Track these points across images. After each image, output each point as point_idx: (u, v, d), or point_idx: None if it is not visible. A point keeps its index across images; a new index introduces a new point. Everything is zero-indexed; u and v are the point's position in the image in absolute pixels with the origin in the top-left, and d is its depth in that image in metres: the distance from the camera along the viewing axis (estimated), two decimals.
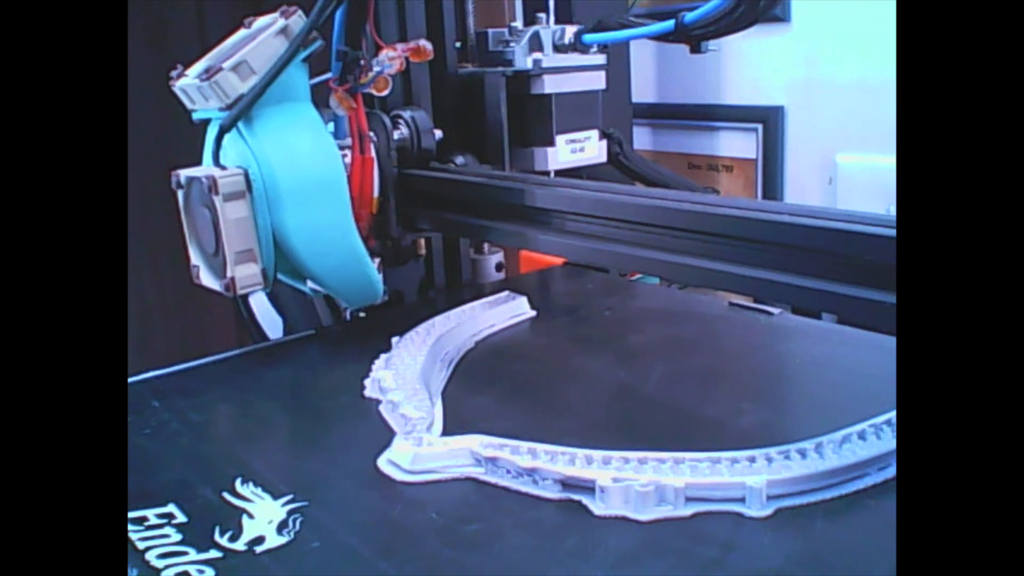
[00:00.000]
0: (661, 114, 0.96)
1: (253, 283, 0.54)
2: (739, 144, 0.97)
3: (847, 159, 0.86)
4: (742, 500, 0.38)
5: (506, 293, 0.65)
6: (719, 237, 0.43)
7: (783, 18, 0.92)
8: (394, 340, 0.55)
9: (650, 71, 1.03)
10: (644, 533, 0.37)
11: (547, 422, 0.41)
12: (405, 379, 0.49)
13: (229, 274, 0.53)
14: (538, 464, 0.39)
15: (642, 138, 1.03)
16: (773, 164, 0.93)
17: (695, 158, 1.01)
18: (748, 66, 0.96)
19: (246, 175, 0.52)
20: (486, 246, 0.76)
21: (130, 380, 0.55)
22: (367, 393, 0.53)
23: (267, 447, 0.46)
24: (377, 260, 0.61)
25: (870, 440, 0.39)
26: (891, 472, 0.40)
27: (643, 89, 0.94)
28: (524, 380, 0.54)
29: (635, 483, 0.37)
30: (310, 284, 0.59)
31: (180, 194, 0.56)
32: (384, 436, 0.45)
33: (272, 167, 0.53)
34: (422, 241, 0.70)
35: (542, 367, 0.55)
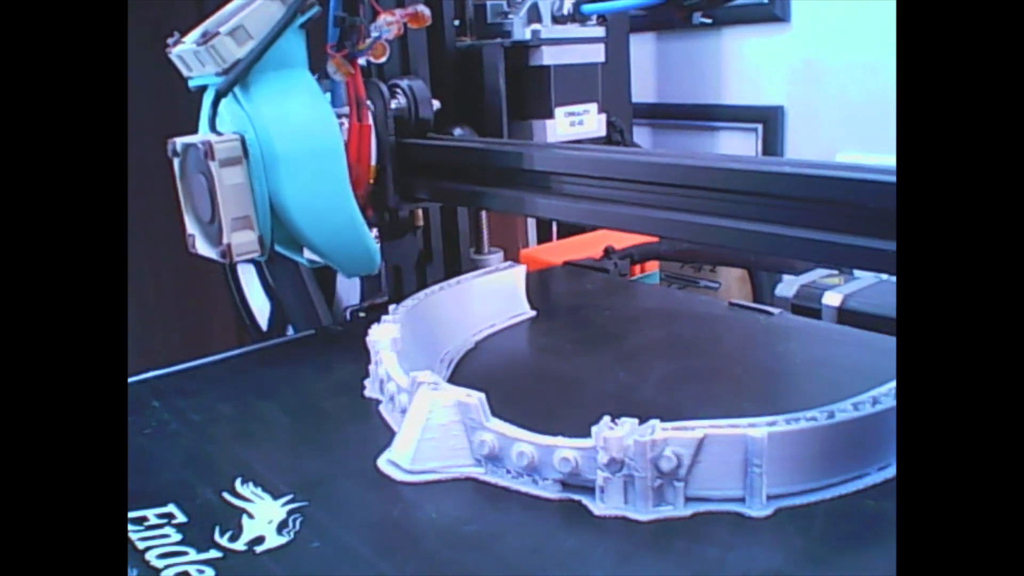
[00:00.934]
0: (661, 114, 0.96)
1: (249, 250, 0.53)
2: (739, 144, 0.97)
3: (847, 159, 0.86)
4: (742, 500, 0.38)
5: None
6: (720, 192, 0.42)
7: (783, 18, 0.92)
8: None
9: (650, 71, 1.03)
10: (644, 533, 0.37)
11: (547, 422, 0.41)
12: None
13: (225, 240, 0.52)
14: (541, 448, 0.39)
15: (642, 138, 1.03)
16: None
17: None
18: (748, 66, 0.96)
19: (242, 141, 0.52)
20: (486, 245, 0.76)
21: (130, 380, 0.56)
22: (367, 393, 0.53)
23: (267, 447, 0.46)
24: (374, 231, 0.60)
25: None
26: (891, 472, 0.40)
27: (643, 89, 0.94)
28: (524, 380, 0.54)
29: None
30: (307, 254, 0.59)
31: (176, 162, 0.55)
32: (384, 436, 0.45)
33: (269, 133, 0.52)
34: (419, 212, 0.69)
35: (542, 367, 0.55)
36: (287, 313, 0.87)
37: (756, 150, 0.94)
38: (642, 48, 1.01)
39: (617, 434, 0.37)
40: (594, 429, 0.37)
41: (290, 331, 0.92)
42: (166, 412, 0.51)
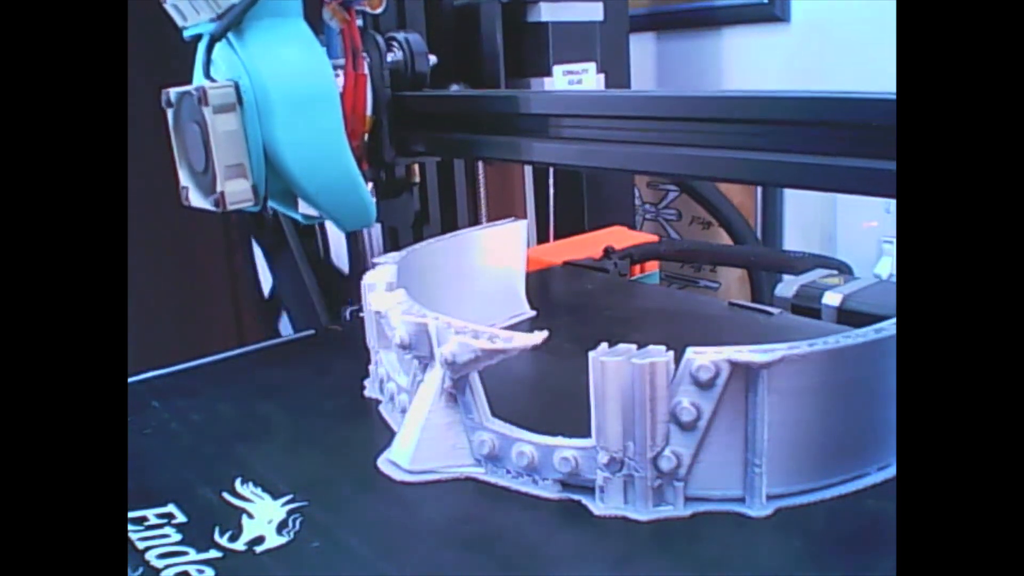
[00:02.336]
0: None
1: (243, 199, 0.53)
2: None
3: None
4: (742, 500, 0.38)
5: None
6: (719, 122, 0.42)
7: (783, 18, 0.92)
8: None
9: (650, 71, 1.03)
10: (644, 533, 0.37)
11: (546, 422, 0.41)
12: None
13: (219, 188, 0.52)
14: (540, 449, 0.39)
15: None
16: None
17: None
18: (748, 66, 0.96)
19: (236, 87, 0.52)
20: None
21: (130, 380, 0.56)
22: (367, 393, 0.53)
23: (267, 447, 0.46)
24: (370, 185, 0.59)
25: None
26: (891, 472, 0.40)
27: (643, 89, 0.94)
28: (524, 380, 0.54)
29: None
30: (302, 209, 0.58)
31: (170, 113, 0.55)
32: (384, 436, 0.45)
33: (263, 79, 0.52)
34: (416, 169, 0.69)
35: (542, 367, 0.55)
36: (287, 313, 0.87)
37: None
38: (642, 48, 1.01)
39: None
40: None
41: (286, 326, 0.92)
42: (166, 412, 0.51)
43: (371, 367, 0.53)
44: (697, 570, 0.34)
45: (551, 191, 0.91)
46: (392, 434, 0.45)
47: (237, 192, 0.53)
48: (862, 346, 0.36)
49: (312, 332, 0.66)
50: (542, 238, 1.05)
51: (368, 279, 0.50)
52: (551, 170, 0.90)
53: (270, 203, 0.57)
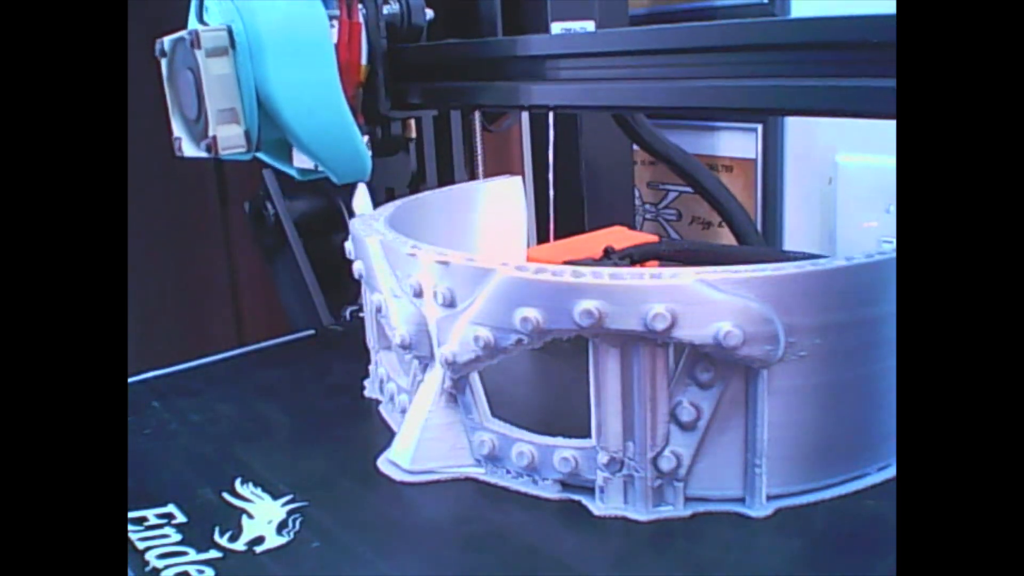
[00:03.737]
0: (661, 114, 0.96)
1: (235, 144, 0.52)
2: (739, 144, 0.97)
3: (847, 159, 0.86)
4: (742, 500, 0.38)
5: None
6: (717, 52, 0.41)
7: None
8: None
9: None
10: (644, 533, 0.37)
11: (546, 422, 0.41)
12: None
13: (211, 133, 0.51)
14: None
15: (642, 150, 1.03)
16: (773, 164, 0.93)
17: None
18: None
19: (229, 31, 0.51)
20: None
21: (130, 380, 0.56)
22: (367, 393, 0.53)
23: (267, 447, 0.46)
24: (366, 137, 0.59)
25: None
26: (891, 472, 0.40)
27: None
28: (523, 380, 0.54)
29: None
30: (297, 163, 0.58)
31: (164, 63, 0.55)
32: (384, 436, 0.45)
33: (256, 21, 0.52)
34: (412, 124, 0.68)
35: (541, 367, 0.55)
36: (287, 313, 0.87)
37: (756, 150, 0.94)
38: None
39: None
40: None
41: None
42: (166, 412, 0.51)
43: (371, 367, 0.53)
44: (697, 570, 0.34)
45: (551, 190, 0.91)
46: (392, 434, 0.45)
47: (229, 137, 0.52)
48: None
49: (312, 332, 0.66)
50: (542, 238, 1.05)
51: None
52: (551, 167, 0.90)
53: (264, 156, 0.56)
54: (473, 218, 0.61)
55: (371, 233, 0.46)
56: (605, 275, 0.36)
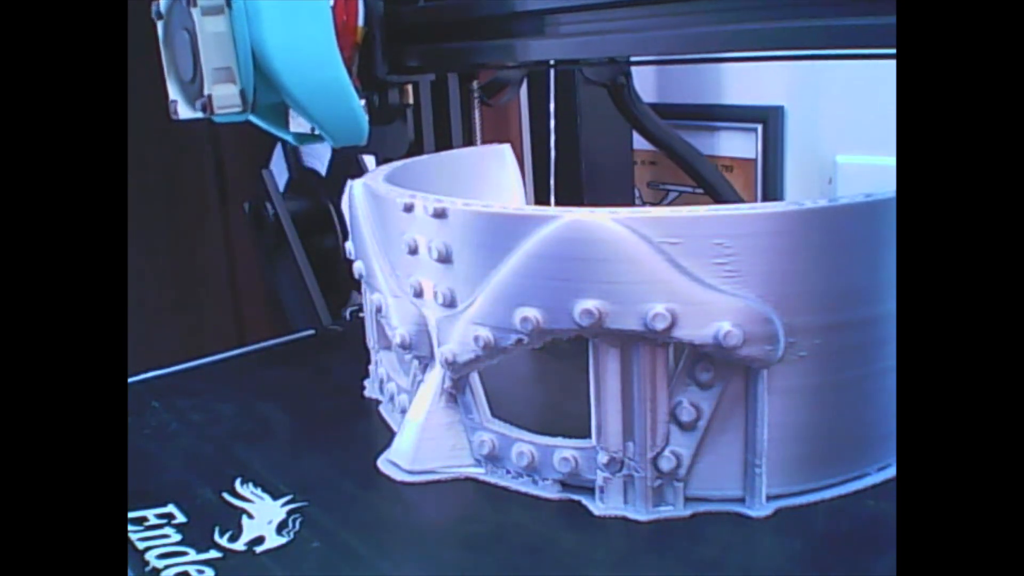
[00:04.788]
0: (661, 114, 0.96)
1: (231, 104, 0.52)
2: (739, 144, 0.97)
3: (847, 159, 0.86)
4: (742, 500, 0.38)
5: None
6: None
7: None
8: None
9: (650, 71, 1.03)
10: (644, 533, 0.37)
11: (546, 422, 0.41)
12: None
13: (206, 92, 0.51)
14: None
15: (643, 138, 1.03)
16: (773, 164, 0.93)
17: None
18: (748, 66, 0.96)
19: None
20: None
21: (130, 380, 0.56)
22: (367, 393, 0.53)
23: (267, 447, 0.46)
24: (363, 101, 0.59)
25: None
26: (891, 472, 0.40)
27: (643, 89, 0.94)
28: (523, 380, 0.54)
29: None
30: (293, 128, 0.58)
31: (160, 25, 0.54)
32: (384, 436, 0.45)
33: None
34: (409, 90, 0.68)
35: (541, 367, 0.55)
36: (287, 313, 0.87)
37: (756, 150, 0.94)
38: None
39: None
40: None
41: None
42: (166, 412, 0.51)
43: (371, 367, 0.53)
44: (697, 570, 0.34)
45: (552, 189, 0.91)
46: (392, 434, 0.45)
47: (225, 96, 0.52)
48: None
49: (312, 332, 0.66)
50: None
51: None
52: (552, 158, 0.90)
53: (260, 121, 0.56)
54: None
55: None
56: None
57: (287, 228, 0.81)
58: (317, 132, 0.59)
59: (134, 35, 0.49)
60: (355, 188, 0.49)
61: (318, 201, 0.84)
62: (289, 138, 0.59)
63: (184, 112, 0.54)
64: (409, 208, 0.41)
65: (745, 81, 0.96)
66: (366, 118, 0.58)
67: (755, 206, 0.35)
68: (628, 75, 0.78)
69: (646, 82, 1.02)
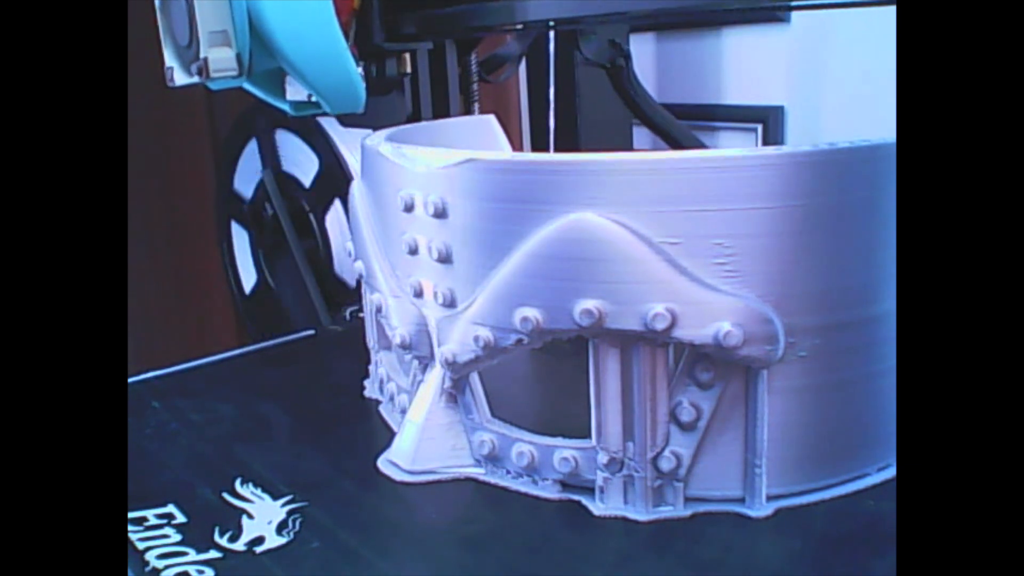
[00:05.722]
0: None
1: (227, 67, 0.52)
2: (739, 144, 0.97)
3: None
4: (742, 500, 0.38)
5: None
6: None
7: (783, 18, 0.92)
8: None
9: (650, 71, 1.03)
10: (644, 533, 0.37)
11: (546, 422, 0.41)
12: None
13: (202, 55, 0.51)
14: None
15: (642, 138, 1.03)
16: None
17: None
18: (748, 66, 0.96)
19: None
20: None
21: (130, 380, 0.56)
22: (367, 393, 0.53)
23: (267, 447, 0.46)
24: (360, 67, 0.58)
25: None
26: (891, 472, 0.40)
27: None
28: (523, 380, 0.54)
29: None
30: (289, 95, 0.57)
31: None
32: (384, 436, 0.45)
33: None
34: (407, 59, 0.67)
35: (541, 366, 0.55)
36: (287, 313, 0.87)
37: None
38: (642, 48, 1.01)
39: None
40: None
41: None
42: (166, 412, 0.51)
43: (371, 367, 0.53)
44: (697, 570, 0.34)
45: (551, 136, 0.91)
46: (392, 434, 0.45)
47: (220, 60, 0.51)
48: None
49: (312, 332, 0.66)
50: None
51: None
52: (551, 138, 0.89)
53: (256, 89, 0.55)
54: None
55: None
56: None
57: (286, 228, 0.81)
58: (314, 99, 0.58)
59: (134, 35, 0.49)
60: (355, 188, 0.49)
61: (297, 203, 0.83)
62: (286, 107, 0.58)
63: (180, 78, 0.54)
64: (409, 208, 0.41)
65: (745, 81, 0.96)
66: (363, 85, 0.58)
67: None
68: (628, 57, 0.78)
69: (646, 82, 1.02)
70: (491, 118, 0.61)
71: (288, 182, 0.83)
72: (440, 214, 0.39)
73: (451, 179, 0.39)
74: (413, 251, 0.42)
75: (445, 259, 0.40)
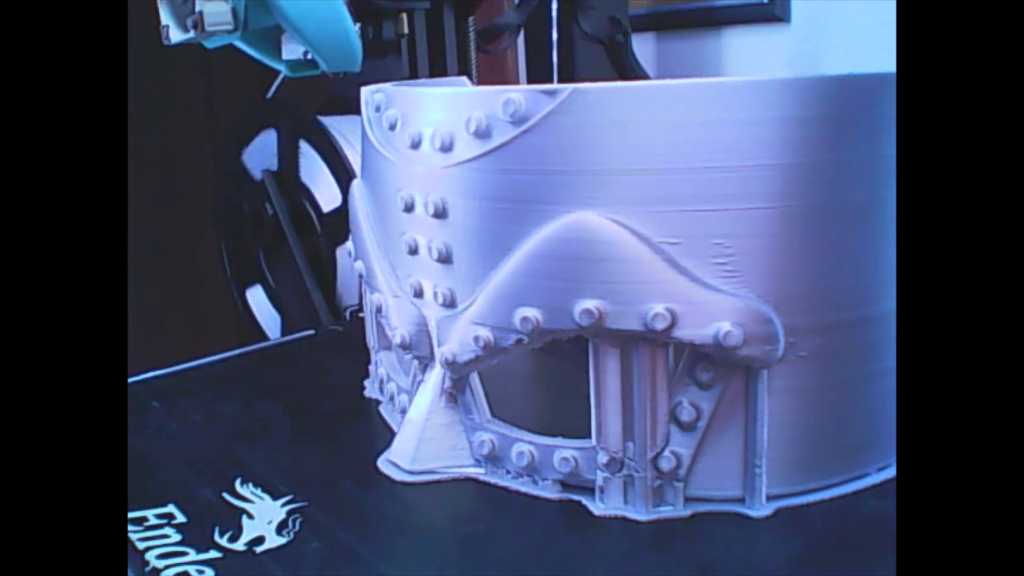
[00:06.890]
0: None
1: (222, 21, 0.51)
2: None
3: None
4: (742, 500, 0.38)
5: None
6: None
7: (783, 18, 0.92)
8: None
9: (650, 71, 1.03)
10: (644, 533, 0.37)
11: (546, 422, 0.41)
12: None
13: (198, 8, 0.50)
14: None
15: None
16: None
17: None
18: (748, 66, 0.96)
19: None
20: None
21: (130, 380, 0.56)
22: (367, 393, 0.53)
23: (267, 447, 0.46)
24: (358, 26, 0.57)
25: None
26: (891, 472, 0.40)
27: None
28: (523, 380, 0.54)
29: None
30: (285, 54, 0.56)
31: None
32: (384, 436, 0.45)
33: None
34: (404, 20, 0.66)
35: (541, 366, 0.55)
36: (287, 312, 0.87)
37: None
38: (642, 48, 1.01)
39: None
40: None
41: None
42: (166, 412, 0.51)
43: (371, 367, 0.53)
44: (697, 570, 0.34)
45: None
46: (392, 434, 0.45)
47: (216, 13, 0.51)
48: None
49: (312, 332, 0.66)
50: None
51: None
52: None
53: (251, 49, 0.54)
54: None
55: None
56: None
57: (286, 228, 0.81)
58: (311, 58, 0.57)
59: (134, 35, 0.49)
60: (355, 188, 0.49)
61: (295, 200, 0.83)
62: (282, 67, 0.58)
63: (175, 35, 0.53)
64: (409, 208, 0.41)
65: (744, 77, 0.96)
66: (360, 44, 0.57)
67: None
68: (627, 34, 0.77)
69: None
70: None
71: (301, 191, 0.83)
72: (440, 214, 0.39)
73: (451, 179, 0.39)
74: (413, 251, 0.42)
75: (445, 259, 0.40)
